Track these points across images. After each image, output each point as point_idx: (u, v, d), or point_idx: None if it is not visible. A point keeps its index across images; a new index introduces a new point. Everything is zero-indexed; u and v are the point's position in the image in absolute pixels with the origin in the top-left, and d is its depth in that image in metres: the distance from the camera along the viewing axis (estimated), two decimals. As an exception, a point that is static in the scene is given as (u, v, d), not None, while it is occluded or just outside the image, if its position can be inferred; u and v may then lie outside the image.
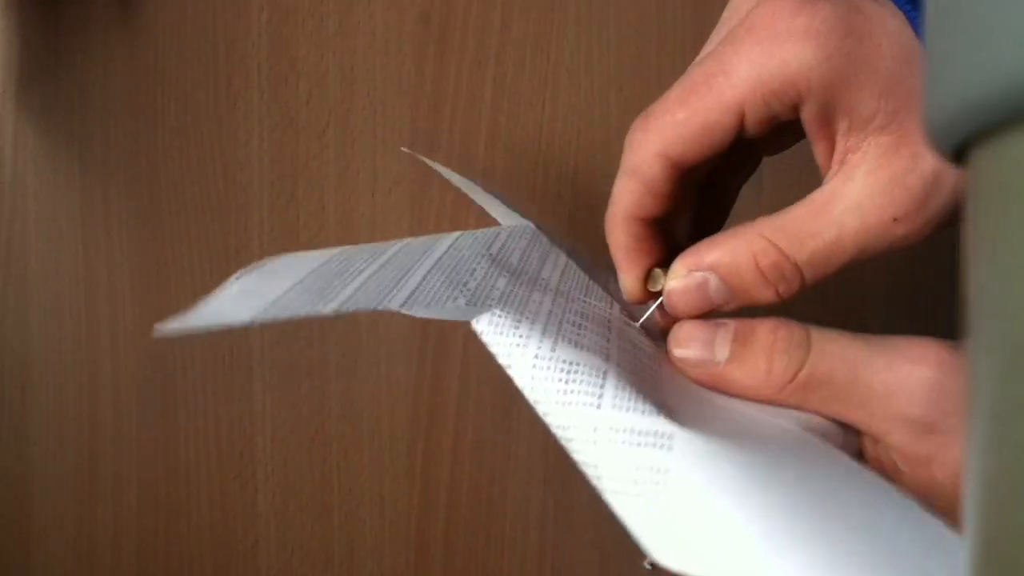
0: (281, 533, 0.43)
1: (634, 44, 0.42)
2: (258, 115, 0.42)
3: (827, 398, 0.22)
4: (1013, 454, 0.10)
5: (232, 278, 0.20)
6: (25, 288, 0.42)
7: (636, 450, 0.19)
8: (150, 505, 0.43)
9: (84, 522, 0.43)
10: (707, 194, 0.28)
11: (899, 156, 0.22)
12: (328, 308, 0.19)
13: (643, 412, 0.19)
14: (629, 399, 0.20)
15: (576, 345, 0.21)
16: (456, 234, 0.26)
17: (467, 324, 0.21)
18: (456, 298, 0.22)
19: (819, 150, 0.24)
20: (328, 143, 0.42)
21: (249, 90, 0.42)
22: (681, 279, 0.25)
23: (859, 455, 0.23)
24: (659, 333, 0.27)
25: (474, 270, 0.24)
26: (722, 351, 0.24)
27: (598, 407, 0.19)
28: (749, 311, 0.25)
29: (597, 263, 0.30)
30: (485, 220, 0.43)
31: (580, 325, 0.22)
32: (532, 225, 0.31)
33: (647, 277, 0.26)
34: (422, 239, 0.25)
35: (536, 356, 0.20)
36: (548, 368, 0.20)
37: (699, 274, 0.24)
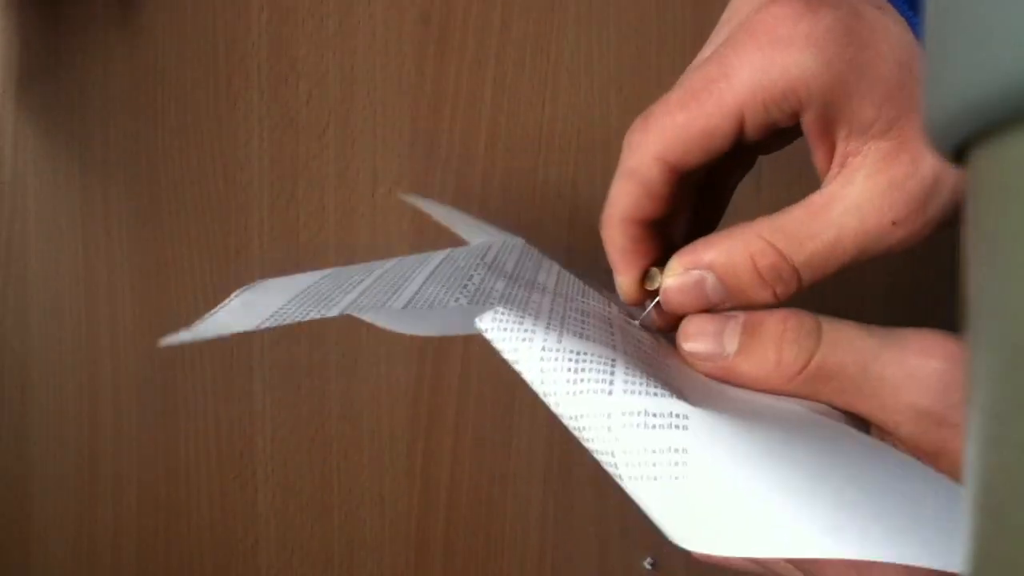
0: (281, 533, 0.43)
1: (634, 44, 0.42)
2: (258, 115, 0.42)
3: (837, 389, 0.22)
4: (1013, 454, 0.10)
5: (233, 295, 0.20)
6: (25, 288, 0.42)
7: (652, 432, 0.19)
8: (150, 505, 0.43)
9: (84, 522, 0.43)
10: (703, 193, 0.28)
11: (899, 161, 0.22)
12: (333, 311, 0.19)
13: (656, 394, 0.19)
14: (640, 383, 0.20)
15: (582, 336, 0.21)
16: (448, 249, 0.27)
17: None
18: (457, 298, 0.22)
19: (818, 155, 0.24)
20: (328, 143, 0.42)
21: (249, 90, 0.42)
22: (678, 277, 0.25)
23: None
24: (658, 332, 0.27)
25: (471, 276, 0.24)
26: (731, 343, 0.23)
27: (609, 393, 0.19)
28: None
29: (589, 272, 0.30)
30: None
31: (583, 321, 0.22)
32: (522, 240, 0.31)
33: (644, 277, 0.26)
34: (414, 256, 0.25)
35: (543, 348, 0.20)
36: (556, 359, 0.20)
37: (696, 272, 0.24)
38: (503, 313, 0.21)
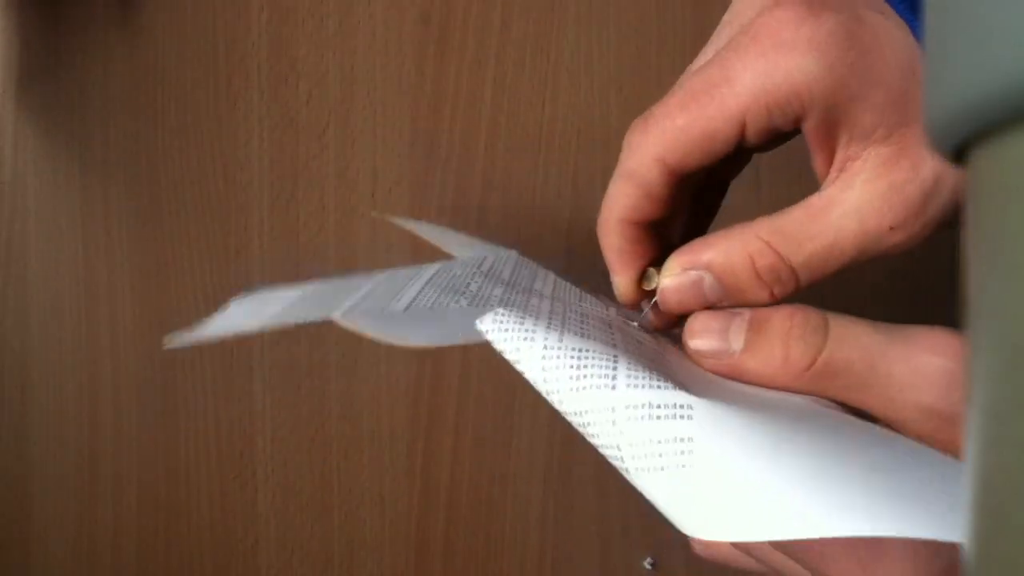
0: (281, 533, 0.43)
1: (634, 44, 0.42)
2: (258, 115, 0.42)
3: (844, 386, 0.22)
4: (1013, 453, 0.10)
5: (232, 300, 0.20)
6: (25, 288, 0.42)
7: (657, 423, 0.19)
8: (150, 505, 0.43)
9: (84, 522, 0.43)
10: (697, 193, 0.28)
11: (899, 167, 0.22)
12: (335, 314, 0.19)
13: (659, 387, 0.19)
14: (643, 377, 0.20)
15: (583, 336, 0.21)
16: (442, 262, 0.27)
17: None
18: (458, 300, 0.22)
19: (818, 159, 0.24)
20: (328, 143, 0.42)
21: (249, 90, 0.42)
22: (676, 277, 0.25)
23: None
24: (656, 332, 0.27)
25: (468, 284, 0.24)
26: (737, 340, 0.23)
27: (613, 388, 0.19)
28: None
29: (587, 277, 0.30)
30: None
31: (582, 322, 0.23)
32: (517, 252, 0.31)
33: (641, 278, 0.26)
34: (405, 269, 0.25)
35: (545, 347, 0.20)
36: (559, 357, 0.20)
37: (694, 272, 0.24)
38: (503, 315, 0.21)
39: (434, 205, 0.42)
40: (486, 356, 0.43)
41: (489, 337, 0.21)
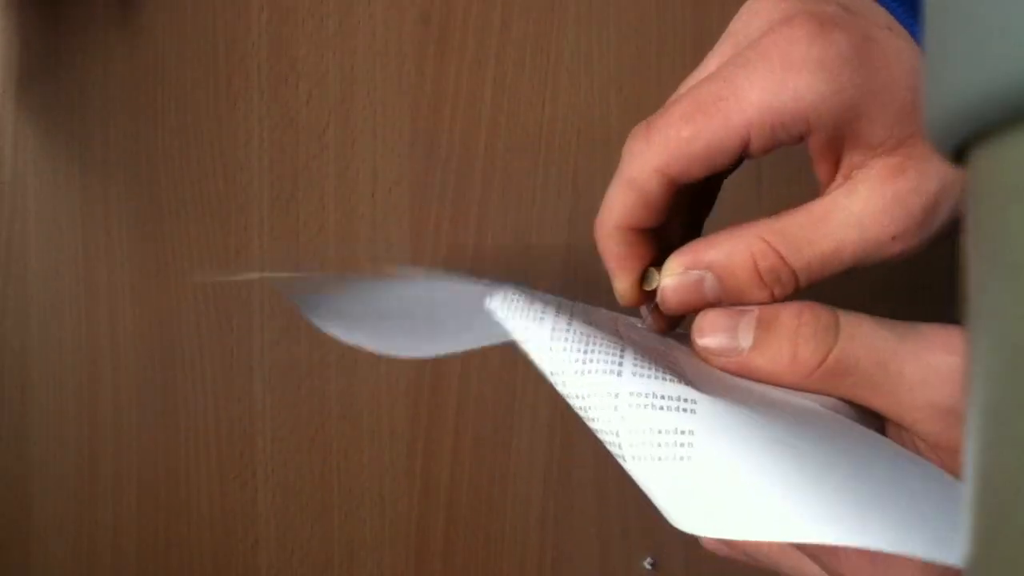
0: (281, 533, 0.43)
1: (634, 44, 0.42)
2: (258, 115, 0.42)
3: (854, 385, 0.22)
4: (1013, 453, 0.10)
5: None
6: (25, 288, 0.42)
7: (659, 413, 0.19)
8: (150, 505, 0.43)
9: (84, 522, 0.43)
10: (692, 196, 0.28)
11: (904, 177, 0.22)
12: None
13: (664, 379, 0.19)
14: (649, 367, 0.20)
15: (590, 324, 0.21)
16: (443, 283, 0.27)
17: None
18: (475, 282, 0.22)
19: (821, 168, 0.24)
20: (328, 143, 0.42)
21: (249, 90, 0.42)
22: (677, 276, 0.25)
23: None
24: (661, 333, 0.27)
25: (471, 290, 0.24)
26: (746, 338, 0.23)
27: (618, 374, 0.19)
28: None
29: (589, 279, 0.30)
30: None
31: (588, 321, 0.23)
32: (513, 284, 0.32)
33: (641, 279, 0.26)
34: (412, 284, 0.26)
35: (553, 329, 0.20)
36: (566, 340, 0.20)
37: (695, 272, 0.24)
38: (515, 295, 0.21)
39: (434, 205, 0.42)
40: (486, 356, 0.43)
41: (498, 316, 0.21)
